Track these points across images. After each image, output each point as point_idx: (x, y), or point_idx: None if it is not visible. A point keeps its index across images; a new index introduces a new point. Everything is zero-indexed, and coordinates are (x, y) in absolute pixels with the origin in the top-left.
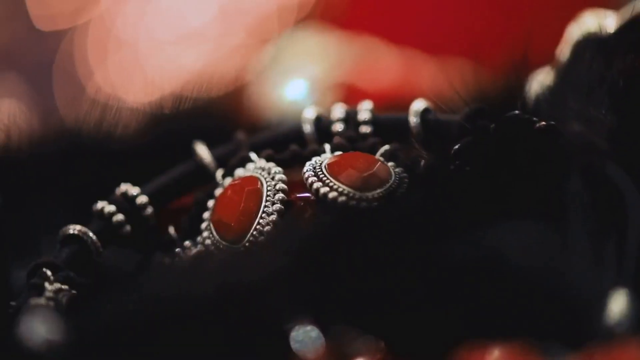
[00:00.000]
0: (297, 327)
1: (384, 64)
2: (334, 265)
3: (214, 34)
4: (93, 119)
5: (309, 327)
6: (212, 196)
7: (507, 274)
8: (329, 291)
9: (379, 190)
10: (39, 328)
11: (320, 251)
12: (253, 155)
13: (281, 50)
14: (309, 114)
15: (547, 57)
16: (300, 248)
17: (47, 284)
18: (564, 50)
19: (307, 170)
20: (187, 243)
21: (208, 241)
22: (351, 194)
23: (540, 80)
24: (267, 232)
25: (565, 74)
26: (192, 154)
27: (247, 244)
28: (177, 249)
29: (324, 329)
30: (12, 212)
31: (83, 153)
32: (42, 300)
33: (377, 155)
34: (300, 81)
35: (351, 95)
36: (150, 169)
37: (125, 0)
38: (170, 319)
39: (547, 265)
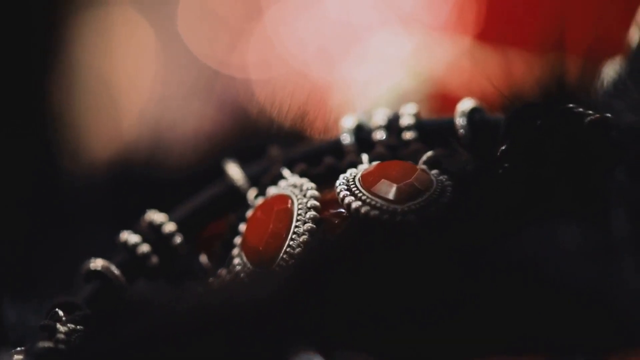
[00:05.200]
0: (299, 356)
1: (482, 66)
2: (344, 286)
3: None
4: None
5: (311, 356)
6: (244, 219)
7: (544, 281)
8: (335, 314)
9: (416, 201)
10: None
11: (331, 270)
12: (286, 172)
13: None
14: (348, 122)
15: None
16: (309, 268)
17: (59, 325)
18: (633, 38)
19: (339, 184)
20: (221, 271)
21: (238, 267)
22: (384, 207)
23: (607, 70)
24: (298, 254)
25: (630, 63)
26: (223, 173)
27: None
28: (211, 279)
29: (328, 356)
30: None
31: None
32: (50, 344)
33: (420, 163)
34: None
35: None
36: None
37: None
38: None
39: (588, 269)
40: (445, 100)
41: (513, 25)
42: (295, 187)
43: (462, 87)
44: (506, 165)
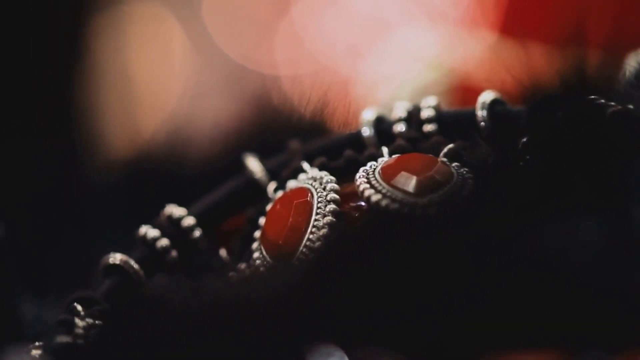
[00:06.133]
0: (317, 352)
1: (504, 58)
2: (364, 280)
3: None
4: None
5: (331, 349)
6: (263, 213)
7: (564, 275)
8: (354, 308)
9: (436, 194)
10: None
11: (351, 264)
12: (305, 165)
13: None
14: (369, 115)
15: None
16: (329, 261)
17: (77, 320)
18: None
19: (359, 177)
20: (241, 266)
21: (258, 262)
22: (405, 200)
23: (629, 62)
24: (318, 248)
25: None
26: (243, 167)
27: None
28: (231, 273)
29: (347, 350)
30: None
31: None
32: (68, 339)
33: (440, 155)
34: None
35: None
36: None
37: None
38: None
39: (608, 263)
40: (467, 93)
41: (534, 17)
42: (314, 180)
43: (484, 79)
44: (527, 157)
